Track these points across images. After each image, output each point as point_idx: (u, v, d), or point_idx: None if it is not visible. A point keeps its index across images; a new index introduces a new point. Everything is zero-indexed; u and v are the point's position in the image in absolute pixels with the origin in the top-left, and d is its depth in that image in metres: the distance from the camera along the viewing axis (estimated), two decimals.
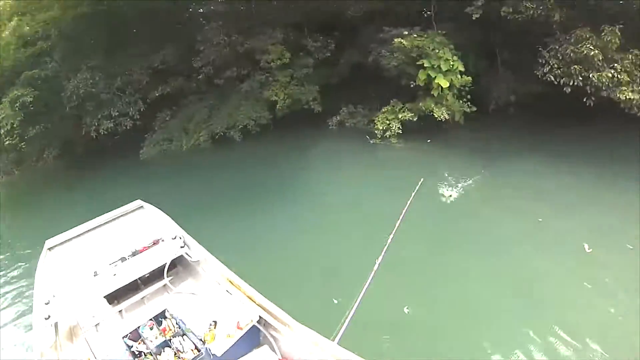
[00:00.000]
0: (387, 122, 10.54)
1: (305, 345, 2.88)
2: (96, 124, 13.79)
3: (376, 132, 10.52)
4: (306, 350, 2.86)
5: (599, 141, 8.51)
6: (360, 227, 6.82)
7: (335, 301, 4.86)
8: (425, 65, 10.51)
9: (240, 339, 3.03)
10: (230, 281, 3.64)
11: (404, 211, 5.36)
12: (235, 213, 8.35)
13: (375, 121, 10.68)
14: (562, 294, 4.76)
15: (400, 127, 10.46)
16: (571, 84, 8.74)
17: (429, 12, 13.81)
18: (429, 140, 10.43)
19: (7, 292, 7.14)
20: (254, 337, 3.21)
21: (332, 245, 6.42)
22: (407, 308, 4.77)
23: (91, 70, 13.75)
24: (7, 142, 14.32)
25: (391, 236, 4.75)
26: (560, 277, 5.00)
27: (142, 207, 5.14)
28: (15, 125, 13.50)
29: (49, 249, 4.55)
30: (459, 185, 7.87)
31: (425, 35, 11.08)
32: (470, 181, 7.96)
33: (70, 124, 14.72)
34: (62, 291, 3.85)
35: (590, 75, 8.41)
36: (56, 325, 3.56)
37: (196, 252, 4.17)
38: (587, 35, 8.64)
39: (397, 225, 4.98)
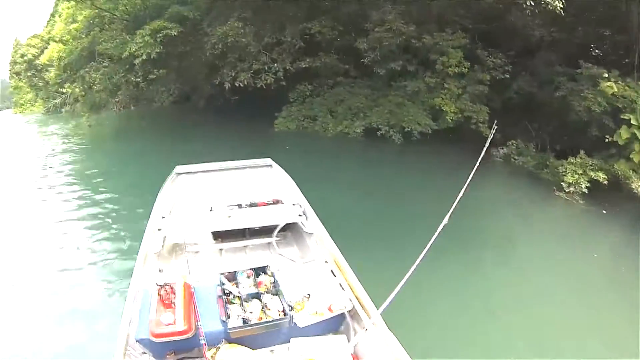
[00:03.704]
0: (576, 176, 9.60)
1: (382, 349, 2.69)
2: (233, 74, 12.95)
3: (562, 184, 9.58)
4: (381, 355, 2.68)
5: None
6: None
7: None
8: (632, 122, 9.49)
9: (325, 320, 3.03)
10: (337, 263, 3.55)
11: None
12: (379, 228, 7.10)
13: (564, 172, 9.60)
14: None
15: (588, 186, 9.53)
16: None
17: (598, 53, 12.96)
18: (604, 212, 9.49)
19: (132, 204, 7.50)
20: (336, 323, 3.16)
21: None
22: None
23: (243, 21, 12.81)
24: (133, 78, 13.65)
25: None
26: None
27: (271, 165, 5.17)
28: (152, 56, 12.67)
29: (177, 174, 4.78)
30: None
31: (628, 85, 10.01)
32: None
33: (202, 73, 13.90)
34: (178, 212, 4.24)
35: None
36: (164, 239, 3.79)
37: (312, 224, 4.12)
38: None
39: None
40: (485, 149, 4.50)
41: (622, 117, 9.57)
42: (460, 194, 3.41)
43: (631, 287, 6.00)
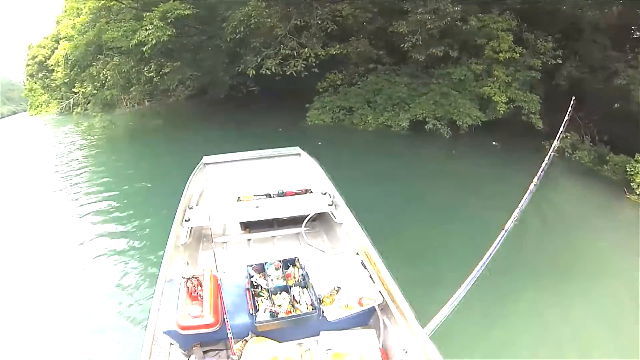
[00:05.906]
0: None
1: (412, 345, 2.53)
2: (258, 60, 11.81)
3: (633, 185, 8.43)
4: (410, 351, 2.52)
5: None
6: None
7: None
8: None
9: (354, 314, 2.96)
10: (367, 254, 3.40)
11: None
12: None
13: (632, 171, 8.62)
14: None
15: None
16: None
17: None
18: None
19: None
20: (365, 316, 3.08)
21: None
22: None
23: (267, 0, 11.61)
24: (145, 73, 12.49)
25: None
26: None
27: (299, 154, 5.01)
28: (163, 39, 11.41)
29: (205, 164, 4.73)
30: None
31: None
32: None
33: (221, 62, 12.71)
34: (205, 203, 4.22)
35: None
36: (191, 230, 3.77)
37: (342, 214, 3.97)
38: None
39: None
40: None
41: None
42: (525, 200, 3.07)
43: None
